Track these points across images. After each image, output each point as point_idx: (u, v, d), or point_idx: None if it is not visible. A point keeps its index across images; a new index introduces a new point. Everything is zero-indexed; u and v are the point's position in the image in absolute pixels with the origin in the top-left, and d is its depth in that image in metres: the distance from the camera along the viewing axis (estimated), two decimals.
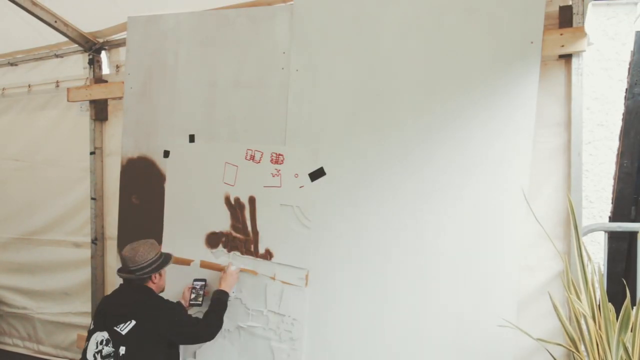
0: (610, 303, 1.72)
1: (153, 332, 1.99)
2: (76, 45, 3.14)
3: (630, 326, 1.66)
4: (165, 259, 2.21)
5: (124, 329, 1.96)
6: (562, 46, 1.96)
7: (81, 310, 3.31)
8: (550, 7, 2.03)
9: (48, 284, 3.44)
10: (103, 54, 3.20)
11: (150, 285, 2.14)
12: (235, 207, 2.45)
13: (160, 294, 2.18)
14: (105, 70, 3.21)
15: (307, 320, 2.27)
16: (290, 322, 2.29)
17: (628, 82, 2.44)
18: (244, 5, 2.55)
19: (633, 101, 2.40)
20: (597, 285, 1.82)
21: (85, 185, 3.19)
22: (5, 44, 3.38)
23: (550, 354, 1.88)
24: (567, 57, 2.03)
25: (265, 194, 2.38)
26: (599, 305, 1.76)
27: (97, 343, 1.98)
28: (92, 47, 3.14)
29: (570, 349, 1.79)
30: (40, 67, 3.43)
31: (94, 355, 1.96)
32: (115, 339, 1.95)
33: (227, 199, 2.47)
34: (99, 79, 3.15)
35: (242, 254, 2.43)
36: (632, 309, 1.66)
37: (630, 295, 1.72)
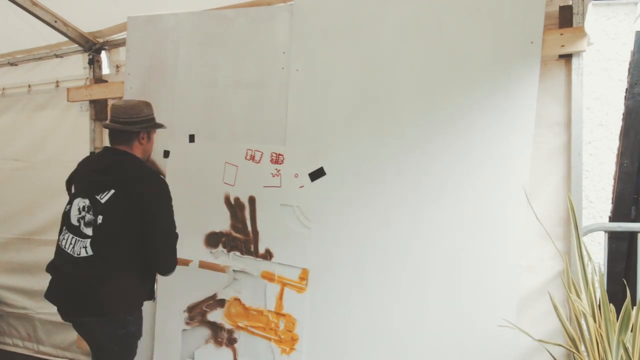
0: (610, 303, 1.72)
1: (130, 205, 1.85)
2: (76, 45, 3.13)
3: (630, 326, 1.66)
4: (159, 124, 2.11)
5: (104, 197, 1.86)
6: (562, 46, 1.96)
7: None
8: (550, 7, 2.03)
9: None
10: (103, 54, 3.19)
11: (137, 147, 2.00)
12: (235, 207, 2.45)
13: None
14: (105, 70, 3.20)
15: (307, 320, 2.27)
16: (291, 322, 2.29)
17: (628, 82, 2.44)
18: (244, 5, 2.55)
19: (633, 101, 2.40)
20: (597, 285, 1.82)
21: None
22: (5, 44, 3.38)
23: (550, 354, 1.87)
24: (567, 57, 2.02)
25: (265, 194, 2.38)
26: (599, 305, 1.76)
27: (79, 209, 1.90)
28: (92, 47, 3.13)
29: (571, 349, 1.79)
30: (40, 67, 3.42)
31: (78, 221, 1.89)
32: (95, 208, 1.86)
33: (227, 199, 2.47)
34: (99, 79, 3.14)
35: (242, 254, 2.43)
36: (632, 308, 1.66)
37: (631, 295, 1.72)
